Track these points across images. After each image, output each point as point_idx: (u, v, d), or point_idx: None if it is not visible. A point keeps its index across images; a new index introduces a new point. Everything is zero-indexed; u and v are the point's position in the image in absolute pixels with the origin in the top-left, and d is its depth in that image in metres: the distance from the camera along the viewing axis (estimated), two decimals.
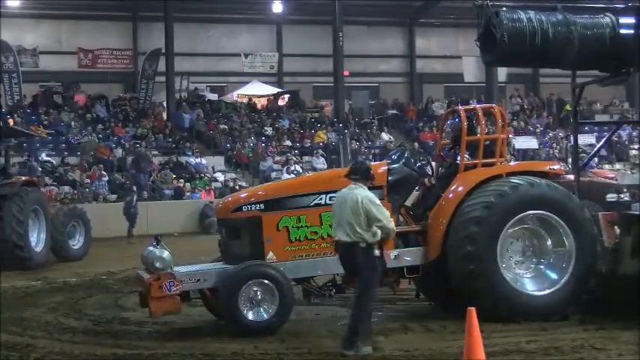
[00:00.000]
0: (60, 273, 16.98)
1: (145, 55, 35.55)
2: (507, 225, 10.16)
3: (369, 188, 9.04)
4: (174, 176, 28.63)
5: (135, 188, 26.29)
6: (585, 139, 29.72)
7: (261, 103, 37.68)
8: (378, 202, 8.84)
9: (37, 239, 18.43)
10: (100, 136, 30.71)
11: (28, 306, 12.57)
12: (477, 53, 13.04)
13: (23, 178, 18.92)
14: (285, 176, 27.72)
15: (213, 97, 37.98)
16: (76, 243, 20.10)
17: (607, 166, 31.28)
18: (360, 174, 9.00)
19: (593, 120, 33.99)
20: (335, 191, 10.10)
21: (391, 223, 8.85)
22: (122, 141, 30.46)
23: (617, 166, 32.39)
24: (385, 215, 8.78)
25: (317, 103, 38.63)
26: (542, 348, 8.69)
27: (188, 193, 28.30)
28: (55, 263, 18.98)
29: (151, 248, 10.10)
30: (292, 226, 10.09)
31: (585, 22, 11.72)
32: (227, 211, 10.50)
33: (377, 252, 8.79)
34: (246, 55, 37.47)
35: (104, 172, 27.81)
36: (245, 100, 37.53)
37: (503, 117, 11.25)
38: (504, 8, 11.84)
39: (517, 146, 32.82)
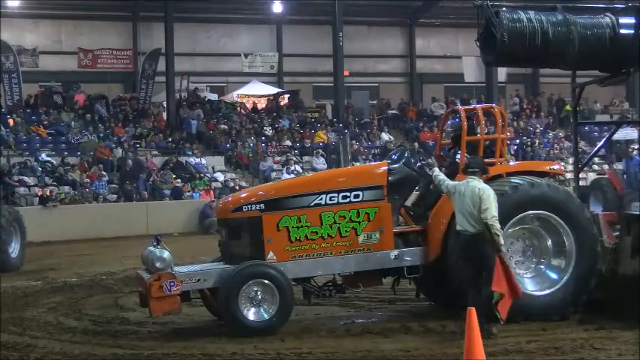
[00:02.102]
0: (60, 273, 16.97)
1: (145, 55, 35.52)
2: (507, 225, 10.14)
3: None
4: (174, 176, 28.60)
5: None
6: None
7: (256, 102, 37.69)
8: (492, 196, 9.29)
9: None
10: (101, 135, 30.70)
11: (28, 306, 12.58)
12: (477, 53, 13.03)
13: None
14: (285, 176, 27.68)
15: (213, 97, 37.93)
16: (13, 251, 17.63)
17: (605, 167, 31.15)
18: (479, 167, 9.60)
19: (594, 120, 33.97)
20: (335, 191, 10.13)
21: (492, 220, 9.16)
22: (121, 139, 30.47)
23: (619, 165, 32.20)
24: (490, 213, 9.16)
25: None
26: (542, 348, 8.71)
27: (188, 193, 28.28)
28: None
29: (151, 248, 10.11)
30: (292, 226, 10.09)
31: (585, 22, 11.70)
32: (227, 211, 10.50)
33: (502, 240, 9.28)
34: (246, 55, 37.41)
35: (104, 172, 27.79)
36: (245, 101, 37.51)
37: (503, 117, 11.25)
38: (504, 8, 11.82)
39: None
